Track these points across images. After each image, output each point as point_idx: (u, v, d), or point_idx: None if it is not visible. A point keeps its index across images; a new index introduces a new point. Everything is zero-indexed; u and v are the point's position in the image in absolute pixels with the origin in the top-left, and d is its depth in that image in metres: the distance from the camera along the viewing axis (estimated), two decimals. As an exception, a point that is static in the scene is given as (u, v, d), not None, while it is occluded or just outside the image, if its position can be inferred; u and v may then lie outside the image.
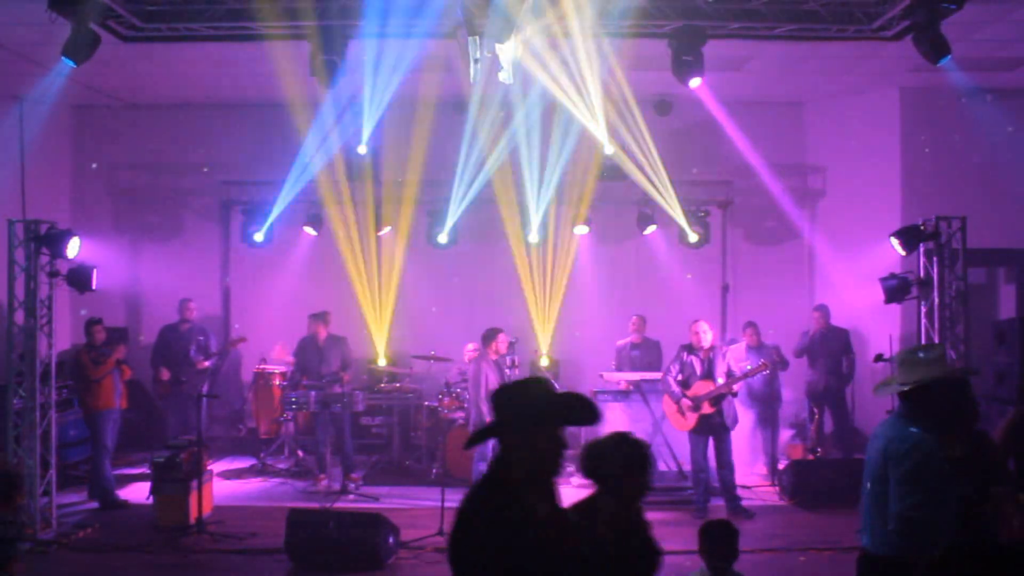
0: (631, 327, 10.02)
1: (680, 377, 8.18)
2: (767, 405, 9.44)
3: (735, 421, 8.24)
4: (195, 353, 9.99)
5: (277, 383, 10.13)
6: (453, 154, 10.39)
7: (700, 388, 8.08)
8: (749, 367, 8.36)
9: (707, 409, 8.05)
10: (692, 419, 8.12)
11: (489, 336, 8.45)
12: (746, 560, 7.20)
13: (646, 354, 9.92)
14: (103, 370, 8.43)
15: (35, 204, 10.42)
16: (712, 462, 8.20)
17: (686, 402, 8.09)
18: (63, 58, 7.04)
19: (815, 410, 10.01)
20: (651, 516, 3.29)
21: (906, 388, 3.65)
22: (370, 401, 9.87)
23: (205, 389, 9.60)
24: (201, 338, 10.16)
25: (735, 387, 8.13)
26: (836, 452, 9.99)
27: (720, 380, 8.03)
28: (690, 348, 8.22)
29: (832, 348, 9.87)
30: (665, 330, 10.05)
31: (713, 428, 8.12)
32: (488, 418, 8.16)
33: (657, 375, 8.95)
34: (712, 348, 8.19)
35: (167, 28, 7.90)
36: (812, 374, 9.99)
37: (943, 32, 7.19)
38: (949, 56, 7.19)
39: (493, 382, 8.27)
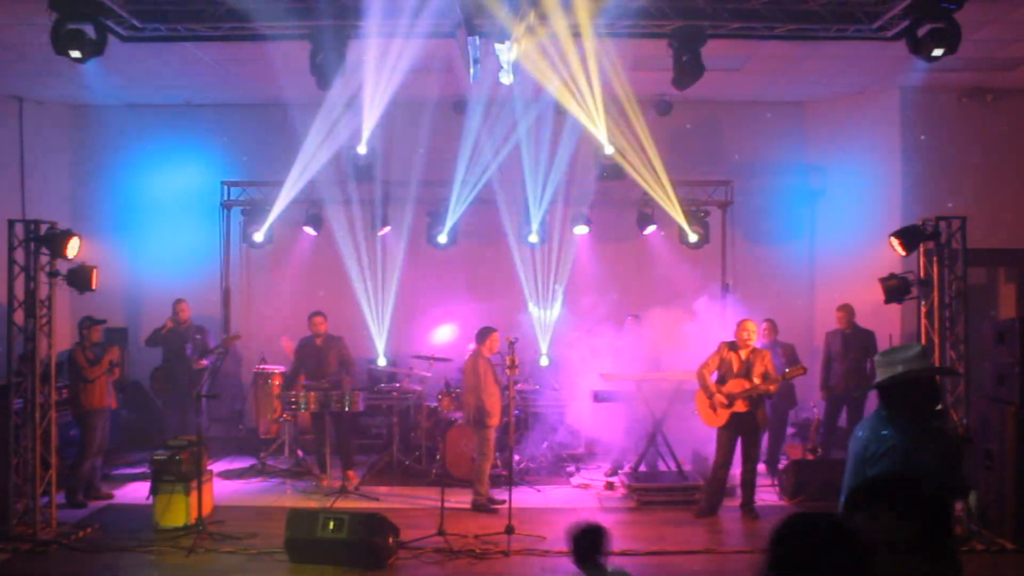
0: (624, 329, 10.00)
1: (716, 373, 8.06)
2: (779, 405, 9.39)
3: (767, 423, 8.17)
4: (191, 352, 9.98)
5: (277, 383, 10.11)
6: (453, 154, 10.38)
7: (735, 386, 7.95)
8: (787, 370, 8.25)
9: (741, 407, 7.93)
10: (724, 416, 7.99)
11: (483, 335, 8.46)
12: (745, 560, 7.24)
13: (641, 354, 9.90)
14: (98, 370, 8.43)
15: (35, 204, 10.43)
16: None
17: (719, 398, 7.97)
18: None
19: (831, 409, 9.87)
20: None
21: (881, 385, 3.70)
22: (370, 401, 9.86)
23: (204, 389, 9.58)
24: (198, 336, 10.14)
25: (771, 388, 7.96)
26: (844, 452, 9.88)
27: (756, 380, 7.92)
28: (732, 345, 8.06)
29: (855, 348, 9.66)
30: (665, 330, 10.02)
31: (745, 427, 7.98)
32: (490, 407, 8.18)
33: (657, 375, 8.93)
34: (755, 350, 8.05)
35: (167, 28, 7.90)
36: (833, 374, 9.82)
37: (935, 35, 7.21)
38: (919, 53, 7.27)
39: (491, 379, 8.31)
